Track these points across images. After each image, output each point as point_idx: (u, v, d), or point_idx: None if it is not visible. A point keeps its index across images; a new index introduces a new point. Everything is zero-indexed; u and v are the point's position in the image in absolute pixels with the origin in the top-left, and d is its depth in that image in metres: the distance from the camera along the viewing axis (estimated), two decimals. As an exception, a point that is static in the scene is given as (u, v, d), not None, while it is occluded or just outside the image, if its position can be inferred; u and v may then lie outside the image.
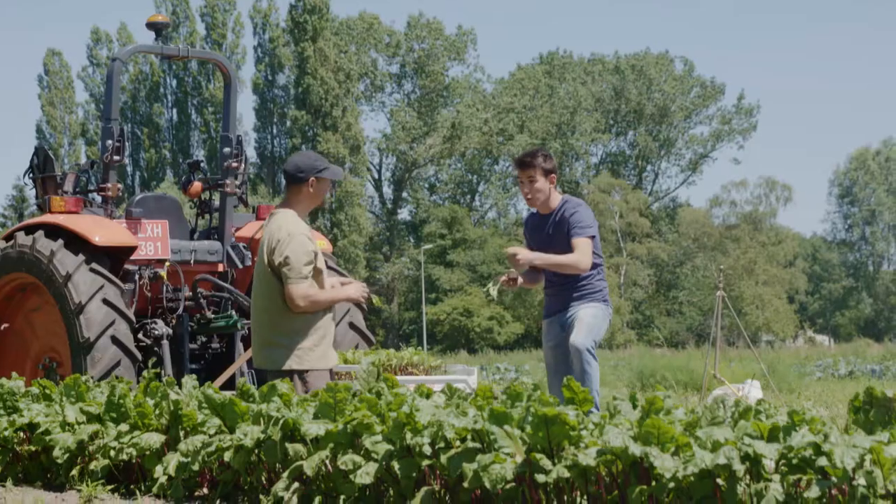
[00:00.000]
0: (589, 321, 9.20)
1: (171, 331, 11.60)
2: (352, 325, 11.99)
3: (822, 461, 4.87)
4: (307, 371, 8.05)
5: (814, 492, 4.87)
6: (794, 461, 5.04)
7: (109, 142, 11.73)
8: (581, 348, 9.03)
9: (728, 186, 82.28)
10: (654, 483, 5.21)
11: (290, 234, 8.07)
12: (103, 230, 11.20)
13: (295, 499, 6.22)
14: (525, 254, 9.25)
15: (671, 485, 5.12)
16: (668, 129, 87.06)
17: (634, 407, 5.92)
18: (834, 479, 4.89)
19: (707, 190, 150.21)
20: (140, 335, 11.47)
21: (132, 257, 11.47)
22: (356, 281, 8.57)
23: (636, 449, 5.17)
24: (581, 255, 9.22)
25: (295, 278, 8.00)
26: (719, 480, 5.12)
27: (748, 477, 5.15)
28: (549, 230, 9.44)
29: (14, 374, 8.70)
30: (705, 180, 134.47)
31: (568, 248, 9.23)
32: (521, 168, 9.36)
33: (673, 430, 5.28)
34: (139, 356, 11.00)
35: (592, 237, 9.34)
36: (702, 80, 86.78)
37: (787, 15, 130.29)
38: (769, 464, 5.14)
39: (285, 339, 8.04)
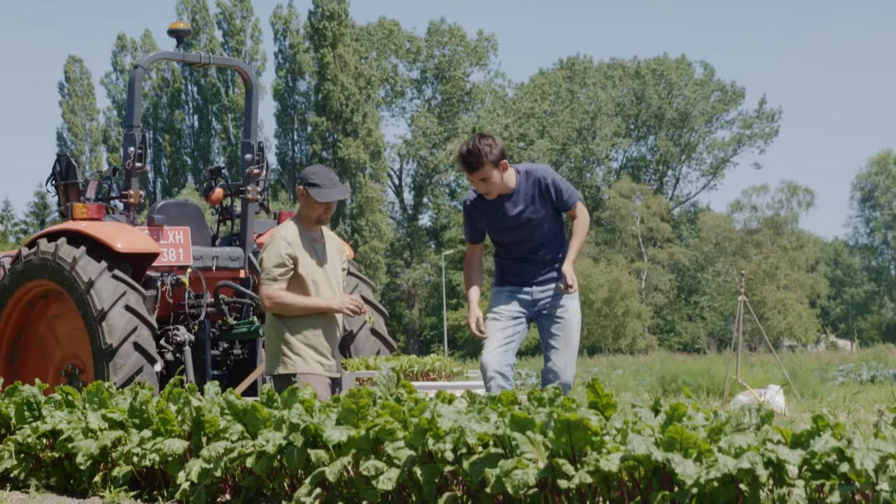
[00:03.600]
0: (574, 342, 8.85)
1: (193, 337, 11.63)
2: (373, 331, 12.00)
3: (845, 467, 4.86)
4: (293, 375, 8.30)
5: (837, 497, 4.86)
6: (818, 466, 5.02)
7: (132, 149, 11.76)
8: (570, 382, 8.78)
9: (749, 191, 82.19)
10: (676, 489, 5.21)
11: (272, 237, 8.57)
12: (125, 237, 11.23)
13: (317, 505, 6.23)
14: (571, 274, 8.75)
15: (694, 490, 5.11)
16: (689, 133, 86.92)
17: (656, 413, 5.91)
18: (857, 484, 4.88)
19: (728, 194, 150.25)
20: (162, 342, 11.49)
21: (154, 264, 11.51)
22: (348, 295, 8.62)
23: (659, 455, 5.16)
24: (585, 216, 8.95)
25: (264, 279, 8.47)
26: (742, 486, 5.11)
27: (771, 482, 5.14)
28: (517, 209, 8.84)
29: (37, 380, 8.72)
30: (726, 185, 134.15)
31: (547, 219, 8.83)
32: (471, 171, 8.69)
33: (695, 436, 5.27)
34: (162, 362, 11.03)
35: (580, 198, 9.03)
36: (722, 84, 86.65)
37: (808, 20, 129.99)
38: (792, 469, 5.13)
39: (276, 344, 8.51)
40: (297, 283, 8.50)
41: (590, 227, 9.18)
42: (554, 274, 8.87)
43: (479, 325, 8.79)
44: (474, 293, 8.97)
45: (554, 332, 8.83)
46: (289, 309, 8.47)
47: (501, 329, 8.78)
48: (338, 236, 9.10)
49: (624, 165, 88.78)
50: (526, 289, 8.92)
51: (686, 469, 5.11)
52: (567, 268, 8.73)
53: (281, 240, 8.51)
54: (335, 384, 8.60)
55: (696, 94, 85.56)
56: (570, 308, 8.88)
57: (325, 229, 8.88)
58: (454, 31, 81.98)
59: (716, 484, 5.07)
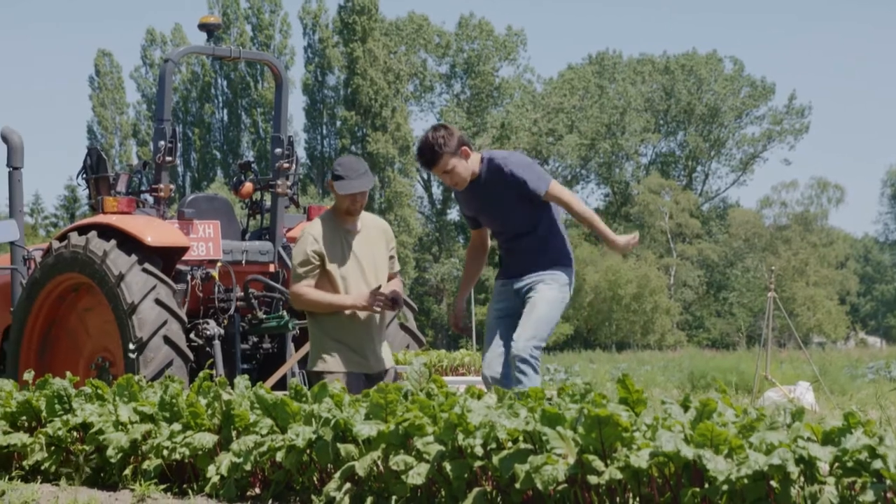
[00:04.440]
0: (540, 313, 8.46)
1: (222, 331, 11.64)
2: (403, 326, 11.99)
3: (878, 464, 4.84)
4: (322, 373, 8.36)
5: (869, 495, 4.84)
6: (849, 464, 5.01)
7: (162, 142, 11.78)
8: (522, 355, 8.29)
9: (779, 187, 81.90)
10: (707, 485, 5.19)
11: (301, 234, 8.67)
12: (156, 231, 11.25)
13: (347, 499, 6.23)
14: (624, 240, 8.60)
15: (724, 487, 5.10)
16: (719, 129, 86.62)
17: (686, 410, 5.89)
18: (889, 482, 4.86)
19: (758, 190, 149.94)
20: (192, 335, 11.52)
21: (184, 258, 11.52)
22: (374, 292, 8.56)
23: (689, 451, 5.15)
24: (569, 197, 8.59)
25: (292, 277, 8.59)
26: (773, 483, 5.09)
27: (802, 479, 5.12)
28: (482, 196, 8.65)
29: (68, 373, 8.75)
30: (756, 181, 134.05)
31: (518, 208, 8.54)
32: (431, 167, 8.54)
33: (726, 433, 5.26)
34: (191, 356, 11.05)
35: (551, 180, 8.56)
36: (752, 79, 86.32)
37: (838, 16, 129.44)
38: (823, 466, 5.11)
39: (312, 341, 8.68)
40: (325, 279, 8.55)
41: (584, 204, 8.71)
42: (536, 267, 8.63)
43: (459, 323, 8.93)
44: (462, 287, 9.08)
45: (522, 313, 8.61)
46: (315, 307, 8.55)
47: (491, 332, 8.72)
48: (382, 223, 9.01)
49: (653, 161, 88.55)
50: (510, 281, 8.77)
51: (717, 465, 5.10)
52: (616, 239, 8.54)
53: (308, 236, 8.55)
54: (375, 378, 8.58)
55: (726, 90, 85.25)
56: (541, 290, 8.58)
57: (368, 218, 8.85)
58: (483, 26, 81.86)
59: (746, 481, 5.06)
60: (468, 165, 8.54)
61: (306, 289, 8.50)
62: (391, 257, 8.95)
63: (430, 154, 8.47)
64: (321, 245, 8.52)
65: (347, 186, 8.45)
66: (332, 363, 8.52)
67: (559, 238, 8.75)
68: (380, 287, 8.56)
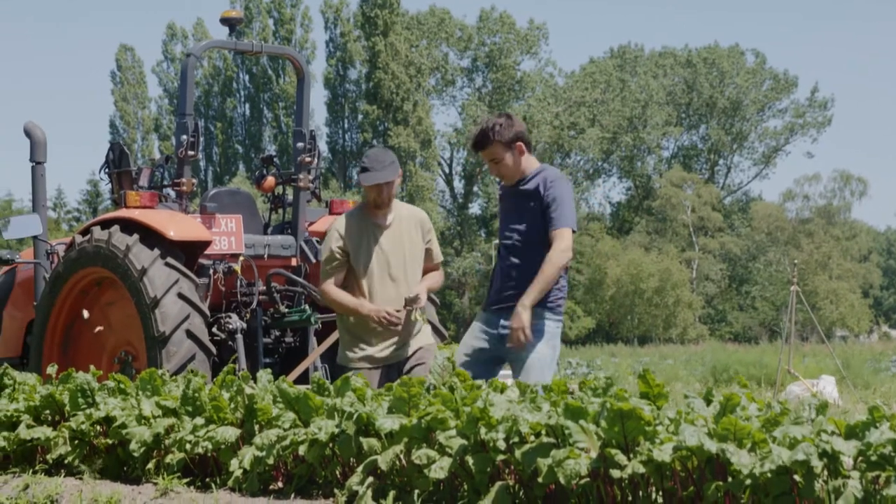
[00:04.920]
0: (537, 376, 7.89)
1: (245, 325, 11.66)
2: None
3: (902, 458, 4.82)
4: (345, 367, 8.46)
5: (893, 489, 4.82)
6: (873, 458, 4.99)
7: (184, 137, 11.80)
8: None
9: (801, 180, 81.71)
10: (730, 479, 5.18)
11: (329, 230, 8.75)
12: (178, 225, 11.27)
13: (369, 493, 6.23)
14: (520, 321, 7.92)
15: (748, 481, 5.09)
16: (741, 122, 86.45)
17: (708, 403, 5.87)
18: (913, 476, 4.85)
19: (780, 184, 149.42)
20: (214, 329, 11.53)
21: (206, 252, 11.54)
22: (388, 309, 8.56)
23: (712, 445, 5.14)
24: (561, 252, 8.01)
25: (321, 273, 8.73)
26: (796, 477, 5.08)
27: (826, 473, 5.11)
28: (514, 202, 8.30)
29: (91, 367, 8.77)
30: (778, 174, 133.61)
31: (532, 224, 8.18)
32: (479, 150, 8.21)
33: (749, 427, 5.24)
34: (214, 350, 11.07)
35: (570, 224, 8.07)
36: (774, 72, 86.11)
37: (860, 7, 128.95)
38: (847, 461, 5.09)
39: (339, 335, 8.83)
40: (351, 274, 8.59)
41: (560, 267, 8.01)
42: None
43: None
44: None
45: (503, 359, 8.23)
46: (337, 307, 8.66)
47: (469, 371, 7.57)
48: (419, 214, 8.96)
49: (675, 154, 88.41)
50: (496, 316, 8.27)
51: (741, 459, 5.08)
52: (516, 314, 7.94)
53: (333, 232, 8.59)
54: (393, 370, 8.60)
55: (748, 83, 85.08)
56: (531, 348, 8.09)
57: (404, 209, 8.84)
58: (505, 19, 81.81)
59: (770, 475, 5.05)
60: (519, 162, 8.21)
61: (332, 287, 8.56)
62: (429, 249, 8.92)
63: (481, 137, 8.18)
64: (346, 241, 8.54)
65: (370, 178, 8.44)
66: (353, 358, 8.59)
67: (558, 287, 8.22)
68: (415, 297, 8.57)
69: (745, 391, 5.91)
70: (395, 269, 8.62)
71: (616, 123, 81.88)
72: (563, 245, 8.03)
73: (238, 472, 7.02)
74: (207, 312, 11.15)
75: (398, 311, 8.49)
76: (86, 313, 11.66)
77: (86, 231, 11.73)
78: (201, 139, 11.98)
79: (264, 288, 11.83)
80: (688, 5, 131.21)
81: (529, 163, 8.27)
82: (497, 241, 8.59)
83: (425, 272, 8.92)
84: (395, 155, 8.92)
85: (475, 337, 8.37)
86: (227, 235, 11.78)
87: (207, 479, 7.33)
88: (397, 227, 8.68)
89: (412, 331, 8.70)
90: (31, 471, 8.16)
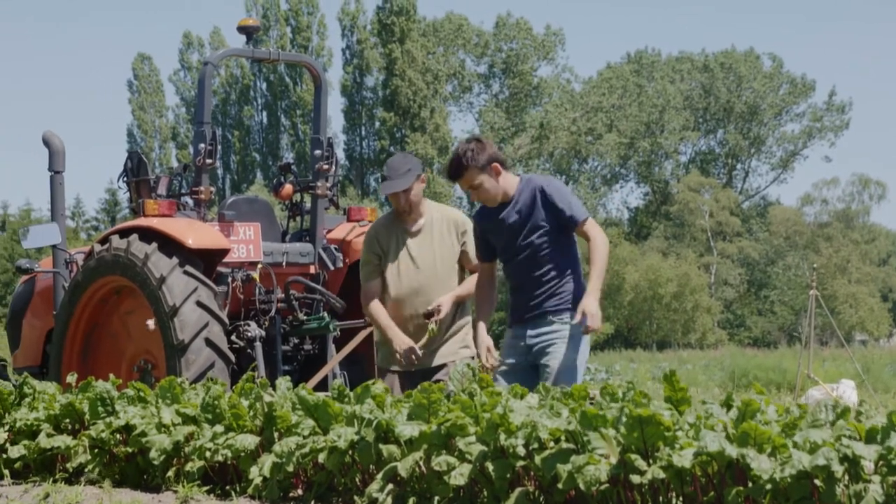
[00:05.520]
0: (564, 383, 7.61)
1: (263, 333, 11.65)
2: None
3: (923, 462, 4.81)
4: (380, 369, 8.68)
5: (915, 493, 4.82)
6: (894, 462, 4.98)
7: (202, 145, 11.81)
8: None
9: (820, 184, 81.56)
10: (750, 484, 5.17)
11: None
12: (196, 233, 11.27)
13: (389, 500, 6.24)
14: (591, 308, 7.81)
15: (768, 486, 5.08)
16: (758, 126, 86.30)
17: (728, 409, 5.86)
18: (935, 480, 4.83)
19: (798, 188, 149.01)
20: (233, 337, 11.54)
21: (225, 260, 11.55)
22: (410, 347, 8.68)
23: (733, 450, 5.13)
24: (602, 240, 7.97)
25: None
26: (817, 482, 5.07)
27: (847, 478, 5.09)
28: (515, 218, 8.12)
29: (111, 376, 8.79)
30: (796, 178, 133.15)
31: (542, 234, 8.05)
32: (456, 179, 8.13)
33: (769, 432, 5.23)
34: (233, 358, 11.08)
35: (588, 213, 8.05)
36: (791, 76, 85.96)
37: (876, 10, 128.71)
38: (868, 465, 5.08)
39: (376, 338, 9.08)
40: (382, 279, 8.75)
41: (606, 253, 7.99)
42: (548, 313, 8.10)
43: (492, 356, 8.15)
44: (480, 325, 8.26)
45: (535, 366, 8.15)
46: (370, 319, 8.83)
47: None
48: (454, 215, 9.00)
49: (692, 159, 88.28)
50: (522, 330, 8.22)
51: (761, 464, 5.08)
52: (588, 302, 7.83)
53: (366, 237, 8.81)
54: (417, 376, 8.63)
55: (765, 87, 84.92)
56: (557, 354, 8.09)
57: (438, 212, 8.91)
58: (521, 26, 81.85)
59: (790, 480, 5.04)
60: (498, 184, 8.14)
61: (370, 296, 8.78)
62: (464, 251, 8.92)
63: (455, 167, 8.12)
64: (378, 244, 8.66)
65: (386, 187, 8.57)
66: (382, 361, 8.78)
67: (576, 281, 8.20)
68: (433, 311, 8.70)
69: (765, 398, 5.89)
70: (424, 275, 8.68)
71: (633, 129, 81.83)
72: (599, 234, 8.04)
73: (258, 480, 7.02)
74: (226, 320, 11.15)
75: (412, 350, 8.60)
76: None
77: (104, 240, 11.74)
78: (219, 147, 11.98)
79: (283, 295, 11.84)
80: (704, 10, 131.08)
81: (509, 181, 8.20)
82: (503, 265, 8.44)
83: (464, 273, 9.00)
84: (417, 158, 8.95)
85: (507, 354, 8.30)
86: (246, 243, 11.79)
87: (227, 487, 7.34)
88: (428, 232, 8.74)
89: (435, 341, 8.75)
90: (51, 479, 8.17)
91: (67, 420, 8.48)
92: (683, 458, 5.28)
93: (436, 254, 8.72)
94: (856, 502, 5.01)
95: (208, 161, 11.84)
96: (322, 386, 11.21)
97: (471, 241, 8.79)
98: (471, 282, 8.84)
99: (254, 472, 7.08)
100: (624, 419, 5.51)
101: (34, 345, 13.11)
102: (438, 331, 8.70)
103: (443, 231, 8.80)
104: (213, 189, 12.19)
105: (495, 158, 8.13)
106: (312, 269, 12.36)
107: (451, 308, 8.83)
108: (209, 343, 10.84)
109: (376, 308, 8.71)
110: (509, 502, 5.82)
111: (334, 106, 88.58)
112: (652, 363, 39.51)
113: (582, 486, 5.44)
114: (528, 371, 8.17)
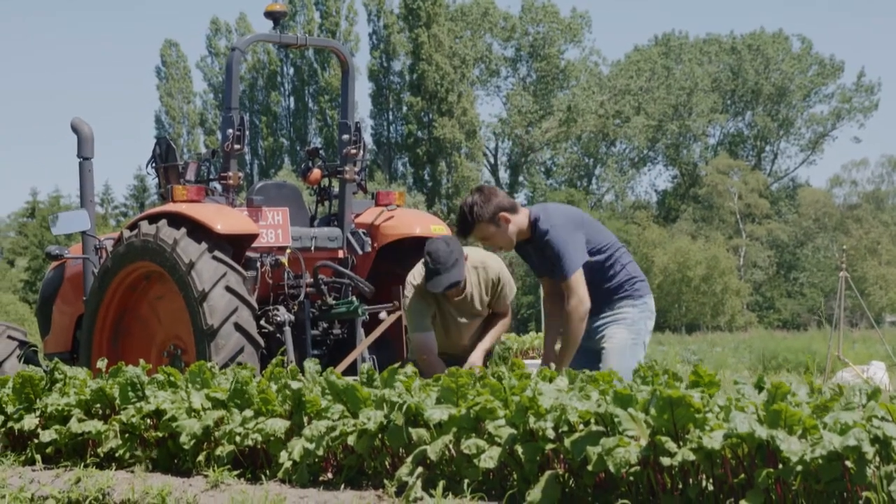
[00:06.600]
0: (615, 362, 7.98)
1: (292, 317, 11.66)
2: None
3: (955, 443, 4.79)
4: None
5: (946, 474, 4.80)
6: (925, 443, 4.96)
7: (230, 131, 11.82)
8: None
9: (849, 165, 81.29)
10: (781, 466, 5.16)
11: (405, 289, 9.39)
12: (225, 218, 11.29)
13: (419, 483, 6.23)
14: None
15: (799, 468, 5.06)
16: (787, 108, 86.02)
17: (759, 390, 5.85)
18: (966, 461, 4.81)
19: (827, 169, 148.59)
20: (262, 322, 11.56)
21: (254, 245, 11.56)
22: None
23: (763, 432, 5.11)
24: (574, 307, 7.98)
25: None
26: (848, 463, 5.05)
27: (877, 459, 5.07)
28: (537, 257, 8.30)
29: (141, 361, 8.81)
30: (825, 160, 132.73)
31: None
32: (466, 235, 8.22)
33: (800, 413, 5.21)
34: (262, 342, 11.09)
35: (577, 269, 8.00)
36: (820, 58, 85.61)
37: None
38: (899, 446, 5.06)
39: None
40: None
41: (583, 314, 8.03)
42: (603, 307, 8.23)
43: None
44: (547, 349, 8.40)
45: (592, 349, 8.29)
46: (427, 369, 8.84)
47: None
48: (489, 273, 9.29)
49: (721, 141, 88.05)
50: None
51: (791, 446, 5.06)
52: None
53: (412, 288, 9.16)
54: None
55: (794, 69, 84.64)
56: (612, 336, 8.28)
57: (472, 275, 9.24)
58: (548, 9, 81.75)
59: (821, 461, 5.02)
60: (509, 230, 8.16)
61: (430, 352, 9.06)
62: (499, 299, 9.36)
63: (462, 224, 8.15)
64: (430, 299, 9.15)
65: (440, 283, 8.80)
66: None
67: (623, 272, 8.32)
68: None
69: (799, 377, 5.87)
70: (460, 331, 9.33)
71: (661, 111, 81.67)
72: (573, 300, 8.02)
73: (287, 464, 7.03)
74: (255, 305, 11.17)
75: None
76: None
77: (133, 226, 11.77)
78: (247, 133, 11.99)
79: (311, 280, 11.85)
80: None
81: (521, 222, 8.21)
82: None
83: (493, 314, 9.48)
84: (454, 239, 8.95)
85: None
86: (274, 228, 11.80)
87: (257, 471, 7.35)
88: (467, 296, 9.26)
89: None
90: (82, 464, 8.20)
91: (98, 405, 8.51)
92: (713, 440, 5.26)
93: (474, 314, 9.35)
94: (887, 483, 4.99)
95: (236, 146, 11.84)
96: (351, 370, 11.23)
97: (506, 290, 9.32)
98: (502, 326, 9.30)
99: (283, 456, 7.09)
100: (655, 401, 5.50)
101: (64, 331, 13.16)
102: None
103: (481, 293, 9.32)
104: (241, 174, 12.20)
105: (501, 208, 8.12)
106: (341, 254, 12.36)
107: (483, 360, 9.35)
108: (238, 328, 10.86)
109: (437, 363, 8.99)
110: (539, 485, 5.81)
111: (362, 91, 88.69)
112: (681, 346, 39.40)
113: (612, 469, 5.43)
114: (589, 354, 8.28)
